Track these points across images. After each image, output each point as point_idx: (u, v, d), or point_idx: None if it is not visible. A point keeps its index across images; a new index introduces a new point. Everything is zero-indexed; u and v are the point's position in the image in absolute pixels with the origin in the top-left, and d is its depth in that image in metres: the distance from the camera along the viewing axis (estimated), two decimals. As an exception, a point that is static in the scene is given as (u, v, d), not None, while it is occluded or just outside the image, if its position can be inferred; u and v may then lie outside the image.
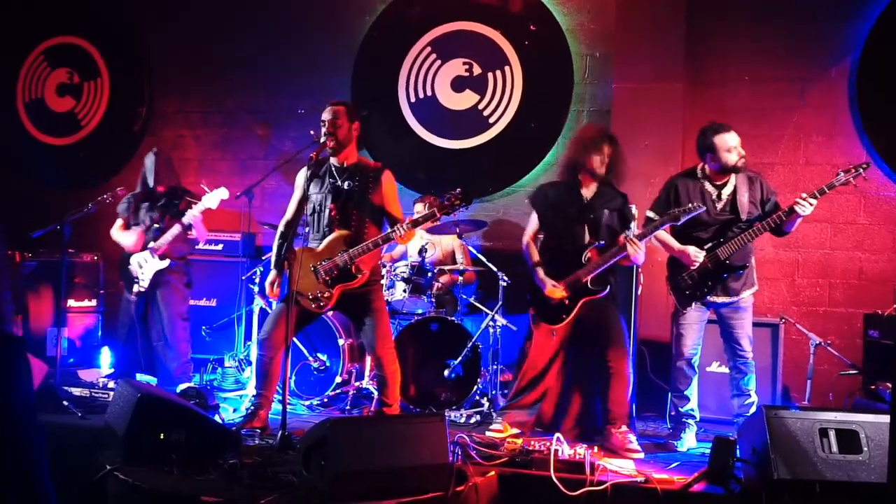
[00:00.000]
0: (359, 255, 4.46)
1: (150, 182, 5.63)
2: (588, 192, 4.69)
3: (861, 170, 4.41)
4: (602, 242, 4.59)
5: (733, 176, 4.63)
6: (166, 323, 5.51)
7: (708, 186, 4.66)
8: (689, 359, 4.69)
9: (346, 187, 4.59)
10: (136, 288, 5.52)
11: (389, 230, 4.49)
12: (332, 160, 4.66)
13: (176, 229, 5.46)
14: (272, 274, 4.68)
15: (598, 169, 4.63)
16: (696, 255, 4.55)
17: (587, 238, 4.63)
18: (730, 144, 4.54)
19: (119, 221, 5.72)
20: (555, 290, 4.61)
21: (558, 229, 4.72)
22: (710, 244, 4.59)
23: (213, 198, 5.50)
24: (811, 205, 4.38)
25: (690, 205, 4.45)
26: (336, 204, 4.57)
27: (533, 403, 4.76)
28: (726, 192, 4.63)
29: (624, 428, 4.50)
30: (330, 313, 5.50)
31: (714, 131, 4.57)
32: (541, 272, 4.68)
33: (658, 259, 5.85)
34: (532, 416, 4.77)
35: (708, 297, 4.61)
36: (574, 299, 4.59)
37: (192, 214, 5.46)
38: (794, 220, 4.50)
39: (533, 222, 4.85)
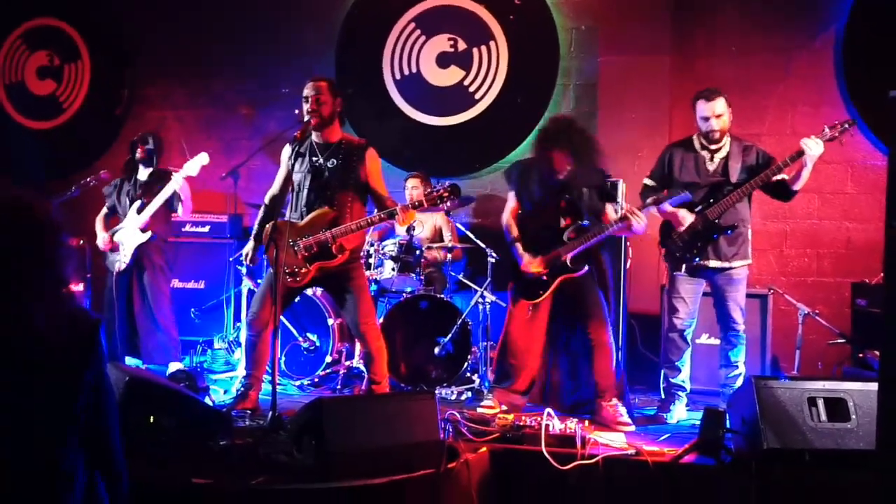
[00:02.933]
0: (342, 234, 4.43)
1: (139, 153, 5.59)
2: (563, 171, 4.65)
3: (846, 125, 4.46)
4: (587, 222, 4.57)
5: (728, 142, 4.64)
6: (152, 302, 5.50)
7: (701, 151, 4.67)
8: (682, 331, 4.69)
9: (329, 165, 4.54)
10: (117, 266, 5.50)
11: (374, 214, 4.44)
12: (315, 137, 4.61)
13: (160, 198, 5.44)
14: (249, 244, 4.66)
15: (560, 171, 4.53)
16: (685, 216, 4.56)
17: (563, 215, 4.61)
18: (705, 113, 4.56)
19: (104, 209, 5.71)
20: (531, 264, 4.58)
21: (534, 206, 4.68)
22: (700, 206, 4.59)
23: (194, 164, 5.48)
24: (816, 144, 4.38)
25: (677, 190, 4.48)
26: (317, 183, 4.53)
27: (525, 390, 4.74)
28: (719, 156, 4.64)
29: (614, 401, 4.51)
30: (319, 293, 5.49)
31: (696, 97, 4.63)
32: (520, 247, 4.66)
33: (647, 233, 5.85)
34: (525, 400, 4.75)
35: (699, 260, 4.59)
36: (552, 276, 4.56)
37: (177, 182, 5.42)
38: (801, 175, 4.47)
39: (511, 199, 4.81)
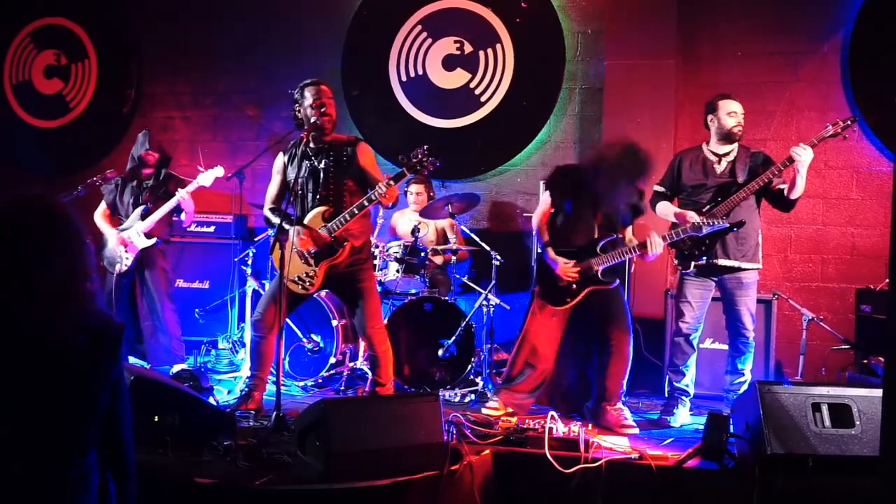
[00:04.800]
0: (338, 227, 4.43)
1: (139, 152, 5.55)
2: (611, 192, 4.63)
3: (849, 122, 4.50)
4: (620, 236, 4.60)
5: (735, 147, 4.70)
6: (155, 303, 5.50)
7: (710, 156, 4.73)
8: (688, 335, 4.70)
9: (321, 166, 4.57)
10: (118, 267, 5.50)
11: (364, 198, 4.45)
12: (308, 141, 4.63)
13: (167, 207, 5.43)
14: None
15: (609, 192, 4.55)
16: (692, 216, 4.57)
17: (598, 227, 4.62)
18: (732, 108, 4.66)
19: (103, 206, 5.68)
20: (567, 268, 4.57)
21: (572, 215, 4.69)
22: (708, 206, 4.61)
23: (208, 176, 5.48)
24: (804, 150, 4.41)
25: (693, 225, 4.47)
26: (316, 185, 4.55)
27: (532, 390, 4.72)
28: (727, 159, 4.70)
29: (619, 405, 4.51)
30: (323, 294, 5.50)
31: (720, 96, 4.74)
32: (552, 252, 4.65)
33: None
34: (531, 400, 4.74)
35: (707, 259, 4.60)
36: (581, 285, 4.57)
37: (187, 191, 5.43)
38: (796, 183, 4.49)
39: (544, 203, 4.81)
